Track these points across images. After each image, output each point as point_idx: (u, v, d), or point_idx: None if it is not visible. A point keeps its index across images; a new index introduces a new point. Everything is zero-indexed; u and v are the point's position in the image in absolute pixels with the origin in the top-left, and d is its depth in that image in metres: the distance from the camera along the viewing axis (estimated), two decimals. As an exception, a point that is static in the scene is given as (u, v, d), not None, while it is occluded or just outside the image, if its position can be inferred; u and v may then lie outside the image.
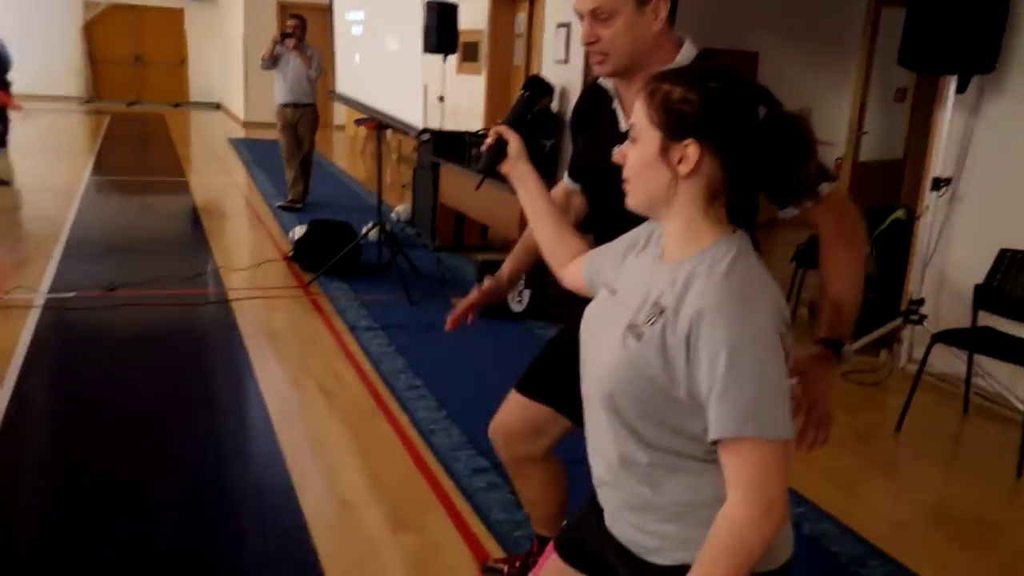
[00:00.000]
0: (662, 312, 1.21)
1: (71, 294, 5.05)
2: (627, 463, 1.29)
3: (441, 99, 8.33)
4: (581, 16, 1.78)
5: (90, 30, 16.74)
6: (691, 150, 1.21)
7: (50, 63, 15.29)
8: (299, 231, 6.25)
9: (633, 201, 1.31)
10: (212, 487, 3.04)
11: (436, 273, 5.97)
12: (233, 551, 2.67)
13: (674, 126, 1.22)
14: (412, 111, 5.75)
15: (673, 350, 1.18)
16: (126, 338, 4.61)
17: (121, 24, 16.89)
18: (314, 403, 3.80)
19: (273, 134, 8.62)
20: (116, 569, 2.52)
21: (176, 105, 16.90)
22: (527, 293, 5.03)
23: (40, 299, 4.93)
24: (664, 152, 1.23)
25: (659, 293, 1.24)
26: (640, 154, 1.26)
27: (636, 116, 1.28)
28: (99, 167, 9.88)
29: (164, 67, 17.29)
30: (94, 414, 3.61)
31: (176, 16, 17.19)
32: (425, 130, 5.87)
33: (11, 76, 8.36)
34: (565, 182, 2.10)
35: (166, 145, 12.29)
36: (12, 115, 8.48)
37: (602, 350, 1.30)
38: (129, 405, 3.72)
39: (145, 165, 10.73)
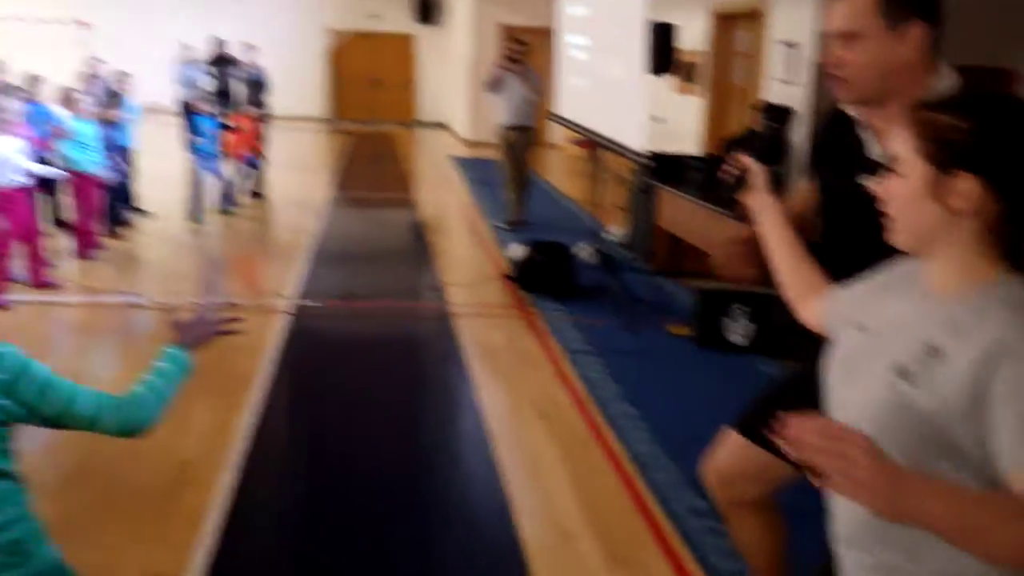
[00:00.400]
0: (938, 352, 1.13)
1: (314, 302, 5.49)
2: (882, 522, 1.21)
3: (659, 120, 8.28)
4: (829, 36, 1.68)
5: (334, 56, 18.20)
6: (965, 184, 1.12)
7: (300, 87, 16.73)
8: (516, 250, 6.43)
9: (897, 238, 1.23)
10: (433, 494, 3.19)
11: (653, 298, 5.92)
12: (450, 558, 2.78)
13: (945, 158, 1.14)
14: (630, 132, 5.77)
15: (957, 390, 1.09)
16: (360, 345, 4.96)
17: (360, 50, 18.21)
18: (530, 424, 3.88)
19: (493, 153, 8.93)
20: (343, 557, 2.70)
21: (405, 125, 17.96)
22: (751, 326, 4.86)
23: (288, 304, 5.40)
24: (934, 186, 1.15)
25: (932, 333, 1.15)
26: (905, 188, 1.19)
27: (900, 146, 1.20)
28: (338, 183, 10.69)
29: (395, 89, 18.44)
30: (330, 414, 3.91)
31: (407, 41, 18.30)
32: (644, 153, 5.86)
33: (269, 99, 9.26)
34: (804, 191, 2.02)
35: (396, 163, 13.09)
36: (266, 134, 9.36)
37: (859, 392, 1.23)
38: (361, 408, 4.01)
39: (377, 182, 11.48)
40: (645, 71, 5.76)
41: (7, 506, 1.52)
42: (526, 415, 3.98)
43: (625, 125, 5.93)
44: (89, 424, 1.56)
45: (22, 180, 5.31)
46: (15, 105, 5.58)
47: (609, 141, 6.24)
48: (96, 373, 4.39)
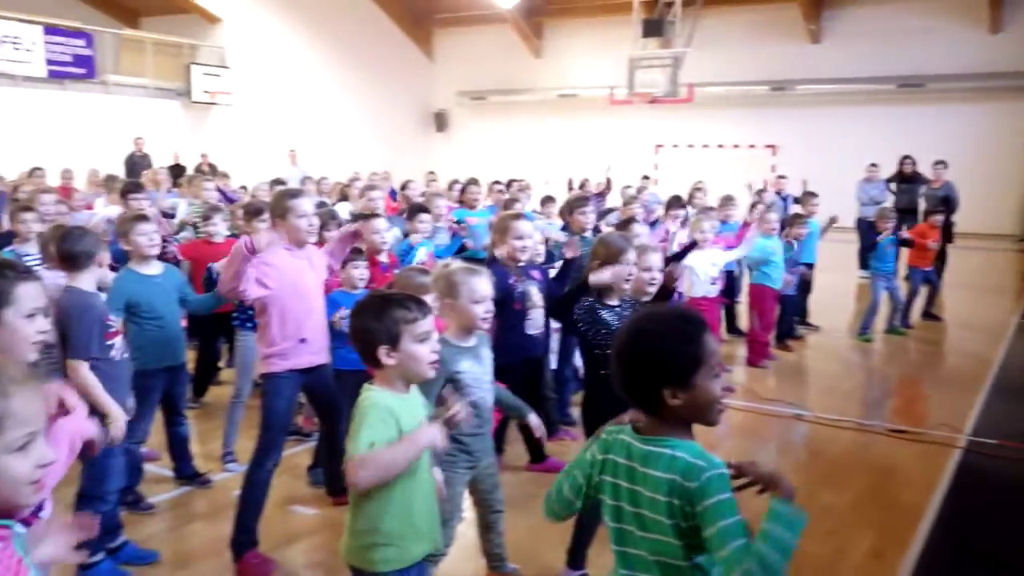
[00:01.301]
0: None
1: (993, 441, 4.86)
2: None
3: None
4: None
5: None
6: None
7: (993, 203, 15.43)
8: None
9: None
10: None
11: None
12: None
13: None
14: None
15: None
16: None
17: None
18: None
19: None
20: None
21: None
22: None
23: (962, 441, 4.89)
24: None
25: None
26: None
27: None
28: (1027, 308, 9.44)
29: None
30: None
31: None
32: None
33: (956, 217, 8.72)
34: None
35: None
36: (949, 251, 8.79)
37: None
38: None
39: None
40: None
41: None
42: None
43: None
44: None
45: (714, 290, 5.90)
46: (712, 223, 6.25)
47: None
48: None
